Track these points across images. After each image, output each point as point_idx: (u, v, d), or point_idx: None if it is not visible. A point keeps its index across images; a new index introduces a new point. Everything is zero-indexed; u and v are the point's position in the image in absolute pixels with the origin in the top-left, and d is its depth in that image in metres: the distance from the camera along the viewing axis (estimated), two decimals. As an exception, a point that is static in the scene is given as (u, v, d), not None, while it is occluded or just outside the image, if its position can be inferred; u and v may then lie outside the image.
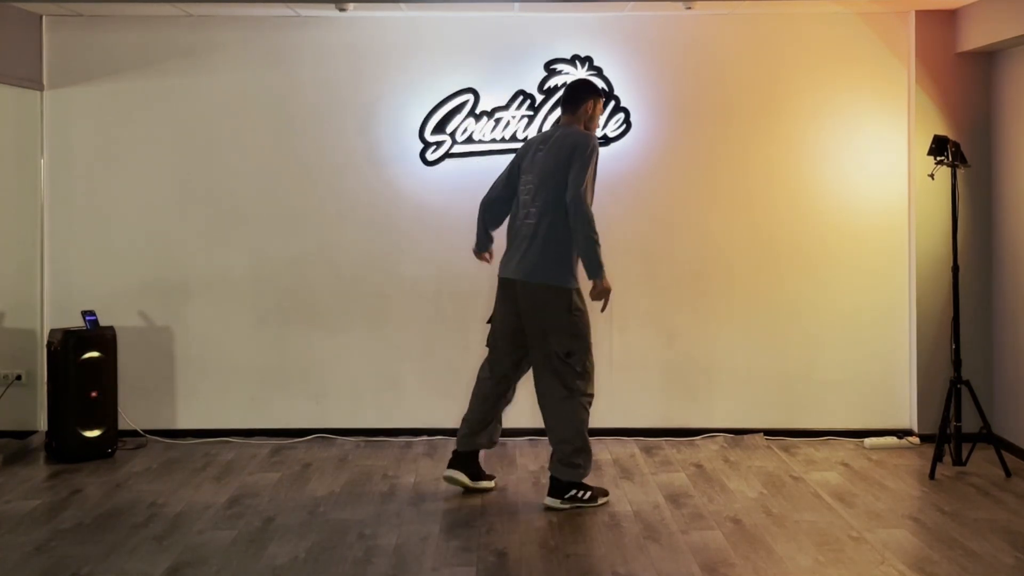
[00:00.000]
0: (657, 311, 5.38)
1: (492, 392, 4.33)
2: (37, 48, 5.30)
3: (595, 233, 4.04)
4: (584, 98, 4.25)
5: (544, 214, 4.10)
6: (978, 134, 5.19)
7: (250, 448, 5.17)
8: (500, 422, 4.41)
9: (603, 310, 4.20)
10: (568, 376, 4.11)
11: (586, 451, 4.16)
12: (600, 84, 5.20)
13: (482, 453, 4.44)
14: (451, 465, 4.36)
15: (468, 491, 4.36)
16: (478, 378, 4.39)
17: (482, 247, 4.52)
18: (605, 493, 4.27)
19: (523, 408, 5.25)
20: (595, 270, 4.06)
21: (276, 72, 5.36)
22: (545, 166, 4.15)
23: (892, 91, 5.32)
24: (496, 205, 4.40)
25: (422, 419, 5.38)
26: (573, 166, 4.05)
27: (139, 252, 5.38)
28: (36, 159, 5.34)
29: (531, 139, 4.47)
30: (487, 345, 4.39)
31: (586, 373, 4.15)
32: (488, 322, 4.41)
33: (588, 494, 4.16)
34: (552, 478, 4.18)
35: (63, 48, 5.34)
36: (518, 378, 4.40)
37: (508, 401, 4.42)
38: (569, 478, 4.14)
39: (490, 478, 4.44)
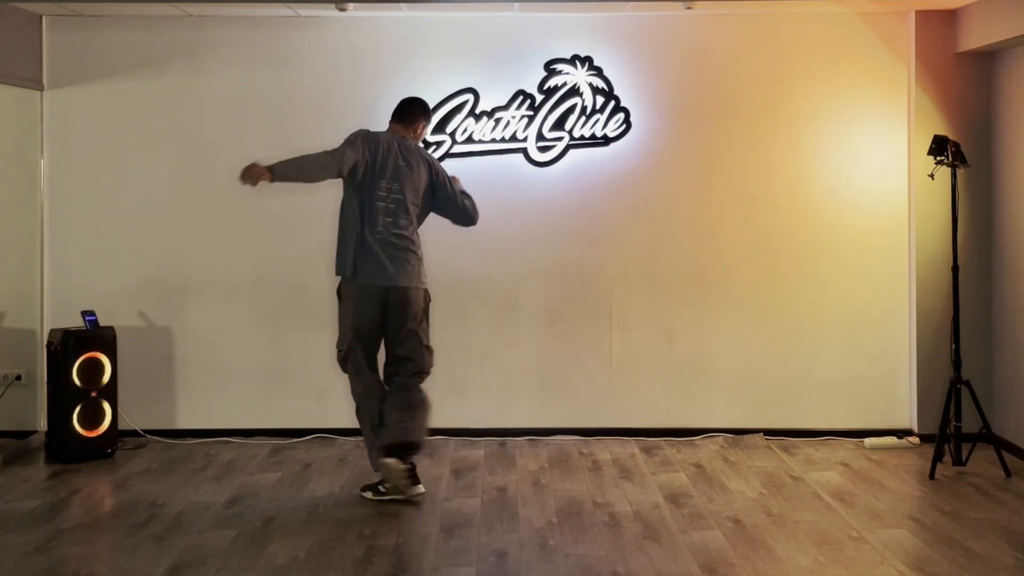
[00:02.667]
0: (657, 311, 5.38)
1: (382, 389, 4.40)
2: (37, 48, 5.30)
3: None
4: (418, 117, 4.46)
5: (414, 227, 4.39)
6: (978, 134, 5.19)
7: (250, 448, 5.17)
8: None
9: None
10: (429, 361, 4.47)
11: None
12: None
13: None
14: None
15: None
16: (364, 394, 4.36)
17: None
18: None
19: (523, 408, 5.27)
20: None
21: (276, 72, 5.36)
22: (414, 184, 4.35)
23: (892, 91, 5.32)
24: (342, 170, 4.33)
25: (422, 419, 5.37)
26: (448, 182, 4.44)
27: (139, 252, 5.38)
28: (36, 159, 5.34)
29: (381, 138, 4.35)
30: (348, 349, 4.37)
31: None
32: (353, 328, 4.36)
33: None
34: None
35: (63, 48, 5.34)
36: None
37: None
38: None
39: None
